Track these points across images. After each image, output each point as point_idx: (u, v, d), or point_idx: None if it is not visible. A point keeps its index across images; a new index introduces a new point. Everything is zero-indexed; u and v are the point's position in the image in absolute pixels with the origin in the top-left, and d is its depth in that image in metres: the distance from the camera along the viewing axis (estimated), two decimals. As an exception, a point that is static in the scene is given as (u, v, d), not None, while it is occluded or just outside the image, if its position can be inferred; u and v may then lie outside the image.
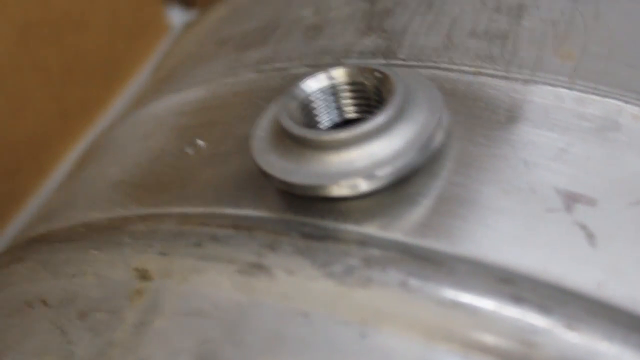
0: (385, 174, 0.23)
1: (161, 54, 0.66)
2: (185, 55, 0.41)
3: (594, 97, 0.25)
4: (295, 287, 0.22)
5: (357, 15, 0.32)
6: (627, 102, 0.25)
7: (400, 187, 0.23)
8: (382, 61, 0.29)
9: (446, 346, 0.20)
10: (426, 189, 0.23)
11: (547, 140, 0.24)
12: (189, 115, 0.32)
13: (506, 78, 0.26)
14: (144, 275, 0.24)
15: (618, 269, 0.21)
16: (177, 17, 0.78)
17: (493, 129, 0.25)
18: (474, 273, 0.21)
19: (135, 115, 0.37)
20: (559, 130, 0.24)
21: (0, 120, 0.59)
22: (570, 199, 0.23)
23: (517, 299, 0.20)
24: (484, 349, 0.20)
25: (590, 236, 0.22)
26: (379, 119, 0.23)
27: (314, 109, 0.25)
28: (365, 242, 0.22)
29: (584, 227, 0.22)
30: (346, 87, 0.25)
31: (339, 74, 0.25)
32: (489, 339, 0.20)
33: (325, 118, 0.25)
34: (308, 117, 0.25)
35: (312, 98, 0.25)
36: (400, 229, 0.23)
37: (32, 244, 0.30)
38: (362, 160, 0.23)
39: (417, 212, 0.23)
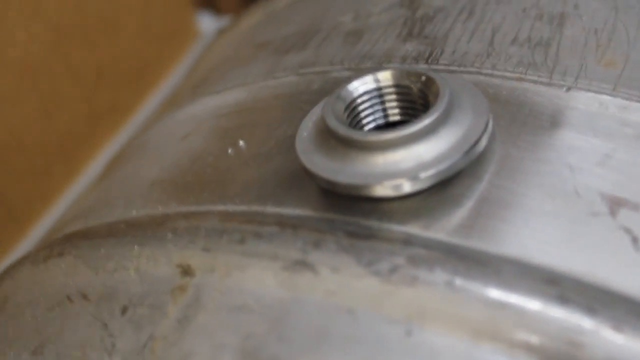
0: (429, 176, 0.23)
1: (191, 58, 0.66)
2: (222, 58, 0.41)
3: (637, 104, 0.25)
4: (340, 284, 0.22)
5: (398, 22, 0.32)
6: (669, 110, 0.25)
7: (443, 188, 0.23)
8: (424, 66, 0.29)
9: (492, 345, 0.20)
10: (469, 190, 0.24)
11: (591, 146, 0.24)
12: (229, 116, 0.32)
13: (549, 85, 0.27)
14: (186, 271, 0.24)
15: (663, 273, 0.21)
16: (206, 23, 0.78)
17: (537, 134, 0.25)
18: (520, 274, 0.21)
19: (170, 117, 0.37)
20: (603, 136, 0.25)
21: (33, 121, 0.60)
22: (615, 204, 0.23)
23: (563, 300, 0.20)
24: (529, 348, 0.20)
25: (635, 240, 0.22)
26: (425, 121, 0.23)
27: (359, 110, 0.26)
28: (409, 241, 0.22)
29: (628, 231, 0.22)
30: (392, 89, 0.25)
31: (385, 77, 0.25)
32: (535, 338, 0.20)
33: (369, 120, 0.26)
34: (353, 118, 0.25)
35: (358, 100, 0.25)
36: (443, 229, 0.23)
37: (70, 240, 0.30)
38: (407, 161, 0.23)
39: (460, 213, 0.23)
